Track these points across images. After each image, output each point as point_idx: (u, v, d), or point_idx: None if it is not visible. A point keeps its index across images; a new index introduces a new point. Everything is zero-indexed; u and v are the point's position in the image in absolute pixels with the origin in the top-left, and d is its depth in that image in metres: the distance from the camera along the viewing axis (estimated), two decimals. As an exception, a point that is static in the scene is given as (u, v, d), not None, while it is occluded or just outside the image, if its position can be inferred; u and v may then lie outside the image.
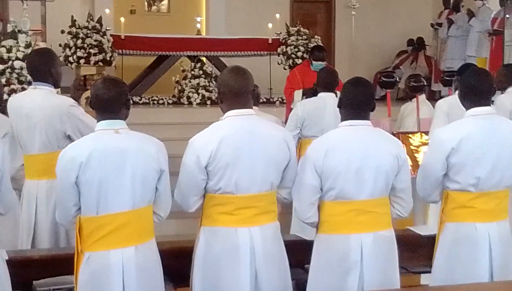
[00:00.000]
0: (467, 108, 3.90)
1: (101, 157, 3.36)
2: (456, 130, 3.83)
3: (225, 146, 3.51)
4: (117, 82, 3.55)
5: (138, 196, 3.42)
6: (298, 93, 7.78)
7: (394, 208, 3.75)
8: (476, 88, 3.86)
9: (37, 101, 4.50)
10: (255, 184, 3.56)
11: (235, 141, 3.53)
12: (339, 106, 3.76)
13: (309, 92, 7.08)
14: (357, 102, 3.67)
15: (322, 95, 6.30)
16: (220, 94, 3.65)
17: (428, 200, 4.02)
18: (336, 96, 6.46)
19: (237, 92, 3.59)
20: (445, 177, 3.83)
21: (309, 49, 9.67)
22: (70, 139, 4.46)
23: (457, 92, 5.81)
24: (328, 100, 6.21)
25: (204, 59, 11.77)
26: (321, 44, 10.89)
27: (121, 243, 3.38)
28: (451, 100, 6.01)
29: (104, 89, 3.45)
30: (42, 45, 8.32)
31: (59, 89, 4.93)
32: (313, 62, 8.52)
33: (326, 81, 6.34)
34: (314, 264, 3.72)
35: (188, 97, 11.01)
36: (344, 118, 3.73)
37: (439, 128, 4.09)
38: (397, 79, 10.51)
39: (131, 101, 3.76)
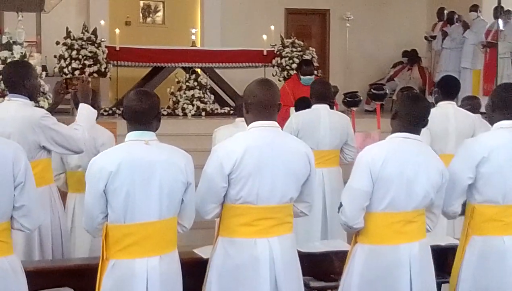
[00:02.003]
0: (496, 120, 3.95)
1: (130, 167, 3.43)
2: (487, 141, 3.90)
3: (249, 156, 3.55)
4: (150, 94, 3.65)
5: (164, 207, 3.48)
6: (292, 111, 7.76)
7: (425, 222, 3.79)
8: (508, 101, 3.91)
9: (10, 113, 4.50)
10: (276, 195, 3.60)
11: (259, 152, 3.58)
12: (393, 118, 3.81)
13: (300, 104, 7.07)
14: (415, 117, 3.73)
15: (316, 107, 6.28)
16: (247, 105, 3.69)
17: (449, 209, 3.95)
18: (330, 107, 6.47)
19: (264, 104, 3.64)
20: (473, 188, 3.87)
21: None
22: (45, 149, 4.50)
23: (439, 104, 5.86)
24: (322, 112, 6.20)
25: (199, 70, 11.77)
26: (309, 58, 10.92)
27: (146, 252, 3.44)
28: (432, 113, 5.98)
29: (137, 101, 3.54)
30: (37, 56, 8.31)
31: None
32: (302, 77, 8.56)
33: (320, 92, 6.33)
34: (358, 275, 3.71)
35: (183, 109, 11.02)
36: (397, 129, 3.77)
37: (468, 139, 4.09)
38: (387, 91, 10.53)
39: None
